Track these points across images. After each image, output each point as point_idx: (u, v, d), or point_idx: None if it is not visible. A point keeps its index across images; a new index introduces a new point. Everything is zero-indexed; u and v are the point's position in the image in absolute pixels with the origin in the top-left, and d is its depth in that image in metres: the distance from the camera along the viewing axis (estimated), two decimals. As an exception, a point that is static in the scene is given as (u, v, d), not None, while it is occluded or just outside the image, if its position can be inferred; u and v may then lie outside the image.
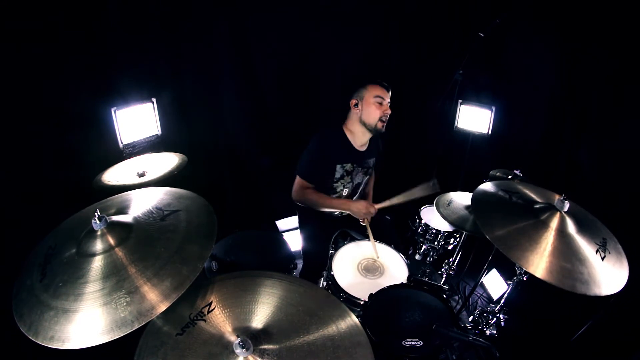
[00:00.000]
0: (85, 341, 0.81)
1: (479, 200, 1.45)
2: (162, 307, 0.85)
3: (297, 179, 1.94)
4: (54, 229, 1.10)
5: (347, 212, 1.92)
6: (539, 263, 1.15)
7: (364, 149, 2.00)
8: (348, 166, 1.96)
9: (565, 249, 1.20)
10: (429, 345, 1.16)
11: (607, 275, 1.17)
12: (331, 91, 2.75)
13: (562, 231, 1.24)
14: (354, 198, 2.06)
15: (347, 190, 2.04)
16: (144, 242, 0.98)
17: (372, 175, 2.19)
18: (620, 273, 1.20)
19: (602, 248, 1.25)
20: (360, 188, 2.12)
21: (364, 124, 1.89)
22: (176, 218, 1.07)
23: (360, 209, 1.83)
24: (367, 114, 1.87)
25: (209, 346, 0.88)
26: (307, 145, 1.93)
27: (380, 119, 1.87)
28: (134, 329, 0.82)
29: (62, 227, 1.10)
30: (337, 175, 1.95)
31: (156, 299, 0.86)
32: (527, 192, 1.47)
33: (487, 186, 1.53)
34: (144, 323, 0.83)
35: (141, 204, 1.14)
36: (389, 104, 1.89)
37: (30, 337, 0.83)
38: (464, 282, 2.58)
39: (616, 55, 2.05)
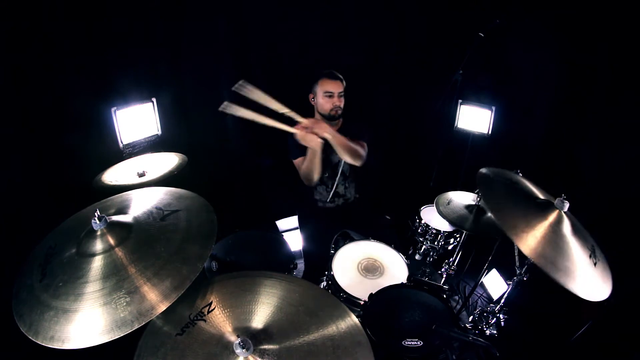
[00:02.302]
0: (85, 341, 0.81)
1: (486, 177, 1.45)
2: (162, 307, 0.85)
3: (295, 162, 2.13)
4: (54, 229, 1.10)
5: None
6: (534, 245, 1.15)
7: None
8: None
9: (562, 243, 1.20)
10: (429, 345, 1.16)
11: (597, 281, 1.17)
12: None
13: (559, 225, 1.25)
14: (337, 179, 2.17)
15: (327, 173, 2.16)
16: (144, 242, 0.98)
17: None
18: (606, 282, 1.20)
19: (594, 255, 1.25)
20: (341, 168, 2.15)
21: (320, 113, 2.11)
22: (176, 218, 1.07)
23: (321, 128, 1.82)
24: (321, 106, 2.09)
25: (209, 346, 0.88)
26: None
27: (331, 109, 2.06)
28: (134, 329, 0.82)
29: (62, 227, 1.10)
30: None
31: (156, 299, 0.86)
32: (529, 185, 1.47)
33: (493, 170, 1.53)
34: (144, 323, 0.83)
35: (141, 204, 1.14)
36: (340, 94, 2.07)
37: (30, 337, 0.83)
38: (464, 282, 2.58)
39: (617, 55, 2.05)
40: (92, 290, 0.87)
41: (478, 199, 1.93)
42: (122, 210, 1.10)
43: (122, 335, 0.81)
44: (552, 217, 1.26)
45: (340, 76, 2.09)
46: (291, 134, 2.01)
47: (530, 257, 1.11)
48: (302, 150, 2.01)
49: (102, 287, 0.87)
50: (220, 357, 0.85)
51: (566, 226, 1.26)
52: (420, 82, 2.88)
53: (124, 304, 0.84)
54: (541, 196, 1.40)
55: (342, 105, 2.10)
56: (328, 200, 2.19)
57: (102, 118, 1.91)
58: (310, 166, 1.99)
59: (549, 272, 1.09)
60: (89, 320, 0.83)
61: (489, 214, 1.94)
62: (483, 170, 1.50)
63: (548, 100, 2.49)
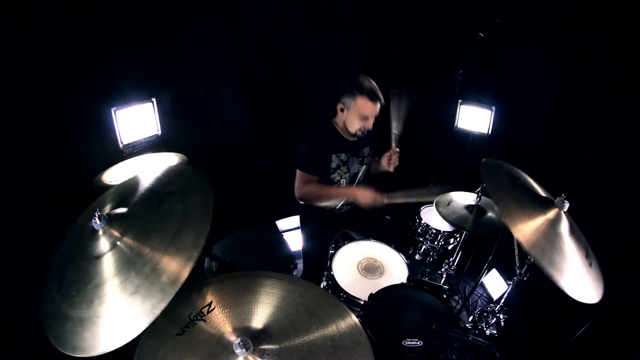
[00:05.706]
0: (113, 343, 0.81)
1: (490, 165, 1.42)
2: (188, 270, 0.86)
3: (298, 173, 1.94)
4: (64, 237, 1.08)
5: (353, 200, 1.90)
6: (529, 235, 1.13)
7: (354, 139, 2.04)
8: (343, 156, 2.00)
9: (558, 240, 1.19)
10: (429, 345, 1.16)
11: (589, 282, 1.17)
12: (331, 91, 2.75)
13: (557, 223, 1.24)
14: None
15: (344, 180, 2.06)
16: (144, 230, 0.96)
17: (372, 163, 2.17)
18: (598, 285, 1.20)
19: (589, 256, 1.25)
20: (359, 177, 2.11)
21: (345, 127, 1.97)
22: (173, 200, 1.05)
23: (367, 198, 1.80)
24: (350, 122, 1.93)
25: (209, 346, 0.87)
26: (302, 139, 1.98)
27: (359, 129, 1.93)
28: (166, 303, 0.82)
29: (70, 233, 1.08)
30: (334, 165, 1.99)
31: (178, 266, 0.87)
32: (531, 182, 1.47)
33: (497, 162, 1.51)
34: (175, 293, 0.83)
35: (132, 191, 1.11)
36: (374, 118, 1.91)
37: (59, 349, 0.83)
38: (464, 282, 2.58)
39: (617, 55, 2.05)
40: (107, 291, 0.87)
41: (478, 199, 1.93)
42: (119, 202, 1.08)
43: (158, 313, 0.81)
44: (551, 214, 1.25)
45: (381, 95, 1.86)
46: (303, 141, 1.96)
47: (525, 246, 1.10)
48: (315, 168, 1.93)
49: (119, 277, 0.87)
50: (220, 357, 0.85)
51: (564, 226, 1.26)
52: (420, 82, 2.88)
53: (149, 283, 0.84)
54: (543, 194, 1.40)
55: (371, 127, 1.95)
56: (337, 207, 2.09)
57: (102, 118, 1.91)
58: (324, 199, 1.94)
59: (542, 263, 1.08)
60: (112, 320, 0.83)
61: (490, 214, 1.94)
62: (487, 160, 1.46)
63: (548, 100, 2.49)
